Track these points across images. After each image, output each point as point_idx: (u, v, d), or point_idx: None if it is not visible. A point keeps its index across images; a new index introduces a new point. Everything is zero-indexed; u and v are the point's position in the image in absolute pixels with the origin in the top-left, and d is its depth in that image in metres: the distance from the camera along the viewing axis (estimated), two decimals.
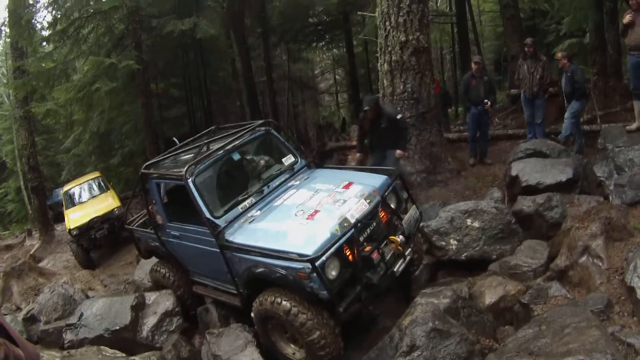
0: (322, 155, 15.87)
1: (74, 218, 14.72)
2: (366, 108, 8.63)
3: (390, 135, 8.62)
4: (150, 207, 7.69)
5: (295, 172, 7.38)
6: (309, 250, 5.37)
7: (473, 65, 10.88)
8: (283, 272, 5.61)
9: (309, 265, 5.26)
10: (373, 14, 11.13)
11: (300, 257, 5.37)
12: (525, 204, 7.41)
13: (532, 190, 7.70)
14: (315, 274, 5.27)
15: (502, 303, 5.92)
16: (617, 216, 6.15)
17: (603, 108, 12.00)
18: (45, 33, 18.75)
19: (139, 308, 7.64)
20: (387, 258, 5.85)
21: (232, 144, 7.11)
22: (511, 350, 4.52)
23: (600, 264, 5.57)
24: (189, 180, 6.48)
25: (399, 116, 8.78)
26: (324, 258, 5.32)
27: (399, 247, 5.99)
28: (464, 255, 6.97)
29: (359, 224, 5.78)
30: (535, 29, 20.64)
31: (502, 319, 5.88)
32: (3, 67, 32.88)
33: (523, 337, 4.65)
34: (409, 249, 6.28)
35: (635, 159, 7.63)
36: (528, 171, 8.00)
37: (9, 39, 21.00)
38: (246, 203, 6.65)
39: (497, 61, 25.61)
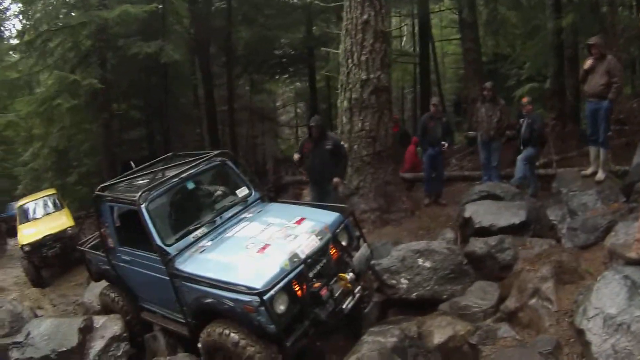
0: (278, 188, 15.85)
1: (27, 234, 14.44)
2: (312, 124, 8.83)
3: (331, 163, 8.75)
4: (102, 230, 7.57)
5: (248, 205, 7.37)
6: (258, 283, 5.36)
7: (431, 106, 11.04)
8: (231, 304, 5.58)
9: (257, 298, 5.25)
10: (337, 51, 11.28)
11: (249, 290, 5.35)
12: (478, 245, 7.43)
13: (485, 232, 7.72)
14: (263, 308, 5.26)
15: (450, 343, 5.86)
16: (568, 259, 6.29)
17: (560, 152, 12.24)
18: (13, 42, 18.64)
19: (86, 331, 7.45)
20: (336, 295, 5.87)
21: (188, 173, 7.09)
22: None
23: (550, 306, 5.66)
24: (142, 206, 6.43)
25: (342, 143, 8.99)
26: (272, 292, 5.32)
27: (349, 285, 6.01)
28: (414, 294, 6.95)
29: (309, 260, 5.80)
30: (497, 73, 21.06)
31: (451, 359, 5.84)
32: None
33: None
34: (359, 287, 6.29)
35: (588, 203, 7.81)
36: (481, 213, 8.04)
37: None
38: (198, 233, 6.61)
39: (458, 103, 26.06)
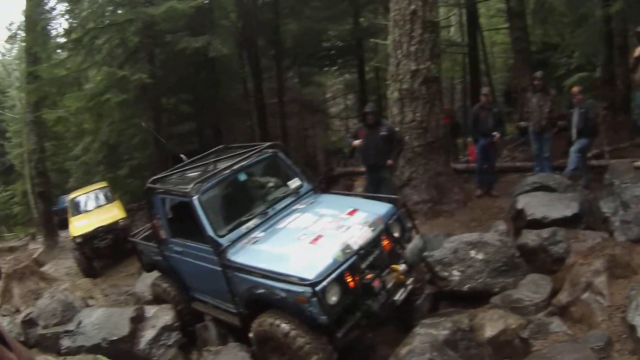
0: (329, 180, 15.84)
1: (79, 226, 14.69)
2: (367, 110, 9.15)
3: (385, 149, 8.93)
4: (154, 222, 7.70)
5: (300, 196, 7.38)
6: (310, 274, 5.38)
7: (482, 97, 10.93)
8: (283, 294, 5.62)
9: (309, 289, 5.28)
10: (385, 42, 11.25)
11: (301, 281, 5.38)
12: (530, 237, 7.32)
13: (537, 224, 7.59)
14: (315, 299, 5.29)
15: (502, 337, 5.82)
16: (621, 253, 6.14)
17: (611, 143, 11.96)
18: (60, 40, 19.01)
19: (137, 320, 7.61)
20: (389, 286, 5.87)
21: (239, 165, 7.13)
22: None
23: (602, 301, 5.55)
24: (194, 198, 6.52)
25: (396, 128, 9.14)
26: (324, 283, 5.33)
27: (401, 276, 5.99)
28: (466, 286, 6.90)
29: (361, 251, 5.81)
30: (546, 62, 20.64)
31: (502, 352, 5.79)
32: (17, 71, 33.14)
33: None
34: (411, 279, 6.27)
35: None
36: (534, 205, 7.91)
37: (24, 44, 21.28)
38: (250, 224, 6.66)
39: (508, 93, 25.67)
